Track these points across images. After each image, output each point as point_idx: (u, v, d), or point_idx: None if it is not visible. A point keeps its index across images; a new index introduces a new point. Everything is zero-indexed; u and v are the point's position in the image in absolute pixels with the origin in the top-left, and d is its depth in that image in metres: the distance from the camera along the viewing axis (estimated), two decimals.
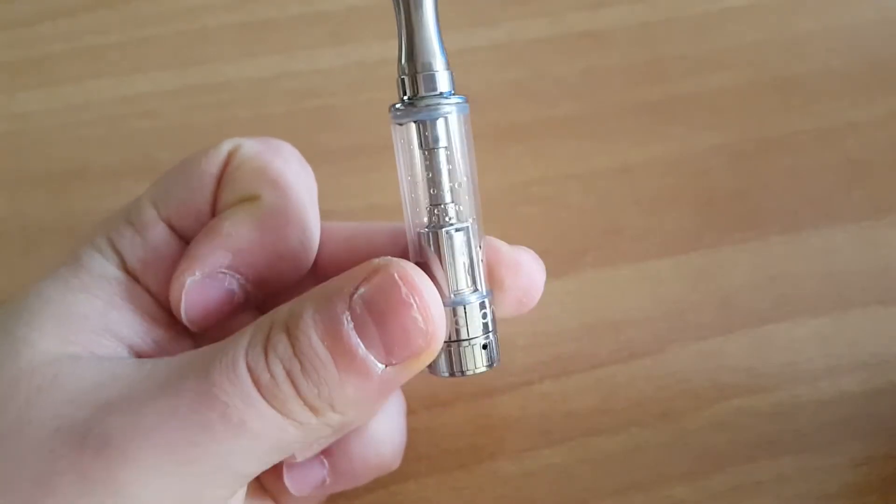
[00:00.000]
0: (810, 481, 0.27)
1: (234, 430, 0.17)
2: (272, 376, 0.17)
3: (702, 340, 0.29)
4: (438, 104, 0.18)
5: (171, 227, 0.21)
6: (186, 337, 0.22)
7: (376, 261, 0.18)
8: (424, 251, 0.19)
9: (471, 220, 0.19)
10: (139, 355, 0.20)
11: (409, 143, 0.18)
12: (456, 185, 0.18)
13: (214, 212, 0.22)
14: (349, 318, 0.18)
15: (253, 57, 0.32)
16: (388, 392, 0.19)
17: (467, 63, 0.32)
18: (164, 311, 0.21)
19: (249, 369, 0.18)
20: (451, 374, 0.19)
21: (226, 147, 0.22)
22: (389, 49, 0.34)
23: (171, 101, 0.32)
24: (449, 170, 0.18)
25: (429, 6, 0.18)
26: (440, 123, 0.18)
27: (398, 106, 0.18)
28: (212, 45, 0.32)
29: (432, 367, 0.19)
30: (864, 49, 0.33)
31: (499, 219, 0.30)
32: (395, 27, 0.18)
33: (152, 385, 0.18)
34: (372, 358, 0.18)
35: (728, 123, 0.31)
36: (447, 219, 0.18)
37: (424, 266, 0.19)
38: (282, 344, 0.18)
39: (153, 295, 0.21)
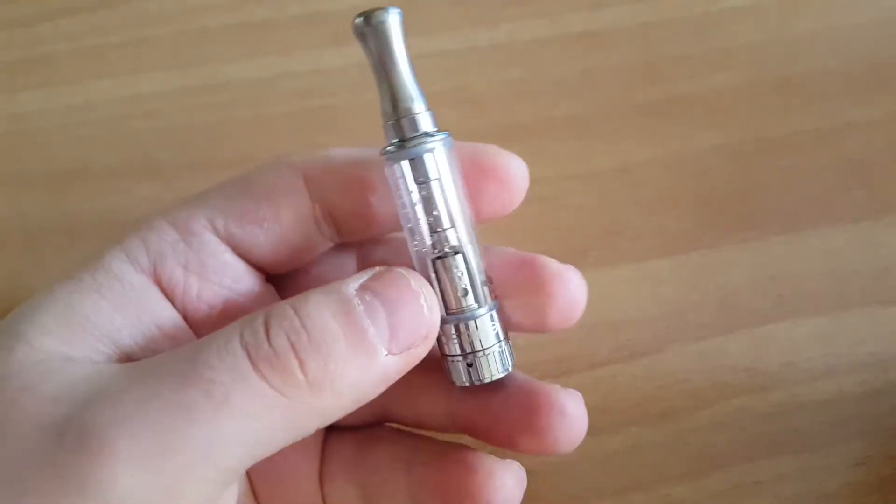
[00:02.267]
0: (809, 481, 0.27)
1: (217, 408, 0.16)
2: (272, 347, 0.17)
3: (701, 340, 0.29)
4: (424, 142, 0.20)
5: (231, 243, 0.21)
6: None
7: (380, 267, 0.20)
8: (432, 275, 0.20)
9: (469, 242, 0.20)
10: None
11: (404, 179, 0.20)
12: (450, 211, 0.20)
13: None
14: (359, 303, 0.18)
15: (253, 57, 0.32)
16: (383, 383, 0.19)
17: (467, 63, 0.32)
18: (178, 324, 0.20)
19: (245, 343, 0.17)
20: (472, 383, 0.21)
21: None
22: None
23: (171, 101, 0.32)
24: (443, 198, 0.20)
25: (402, 60, 0.20)
26: (429, 158, 0.20)
27: (389, 149, 0.20)
28: (212, 45, 0.32)
29: (453, 377, 0.21)
30: (864, 49, 0.33)
31: (499, 219, 0.30)
32: (373, 73, 0.20)
33: (137, 374, 0.17)
34: (378, 340, 0.18)
35: (728, 123, 0.31)
36: (447, 242, 0.20)
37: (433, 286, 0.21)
38: (288, 318, 0.18)
39: (177, 306, 0.20)
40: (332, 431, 0.24)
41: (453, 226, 0.20)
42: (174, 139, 0.31)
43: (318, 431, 0.21)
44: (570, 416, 0.21)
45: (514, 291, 0.21)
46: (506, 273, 0.21)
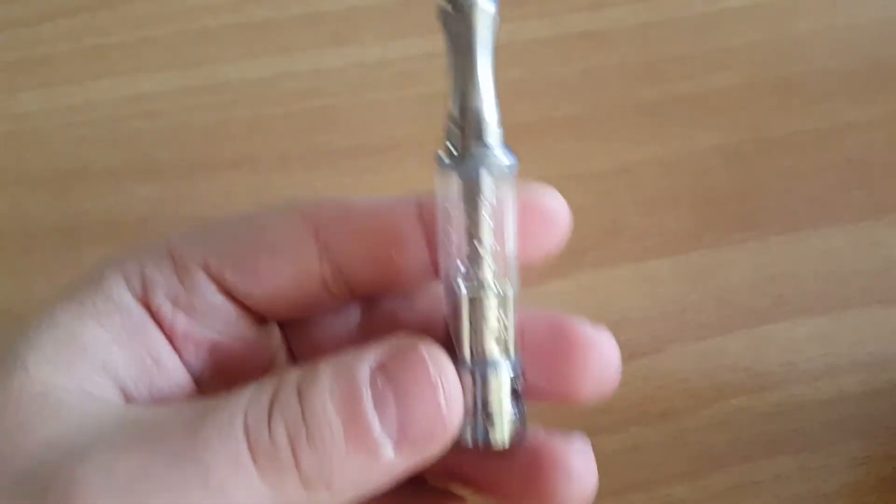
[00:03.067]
0: (809, 481, 0.27)
1: (211, 496, 0.15)
2: (272, 440, 0.16)
3: (701, 340, 0.29)
4: (490, 157, 0.17)
5: (224, 287, 0.19)
6: (187, 390, 0.20)
7: (402, 336, 0.17)
8: (463, 312, 0.18)
9: (512, 286, 0.18)
10: (128, 401, 0.19)
11: (456, 197, 0.17)
12: (501, 245, 0.18)
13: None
14: (369, 391, 0.16)
15: (253, 57, 0.32)
16: (386, 481, 0.17)
17: None
18: (173, 359, 0.19)
19: (247, 428, 0.16)
20: (476, 446, 0.18)
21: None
22: (389, 50, 0.34)
23: (171, 101, 0.32)
24: (499, 229, 0.17)
25: (487, 57, 0.17)
26: (487, 178, 0.17)
27: (445, 159, 0.17)
28: (212, 45, 0.32)
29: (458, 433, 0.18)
30: (864, 49, 0.33)
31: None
32: (447, 70, 0.17)
33: (134, 435, 0.16)
34: (385, 438, 0.16)
35: (728, 123, 0.31)
36: (484, 277, 0.17)
37: (455, 322, 0.18)
38: (291, 406, 0.16)
39: (170, 338, 0.19)
40: None
41: (500, 262, 0.17)
42: (174, 139, 0.31)
43: None
44: (578, 477, 0.20)
45: (540, 357, 0.19)
46: (530, 334, 0.19)
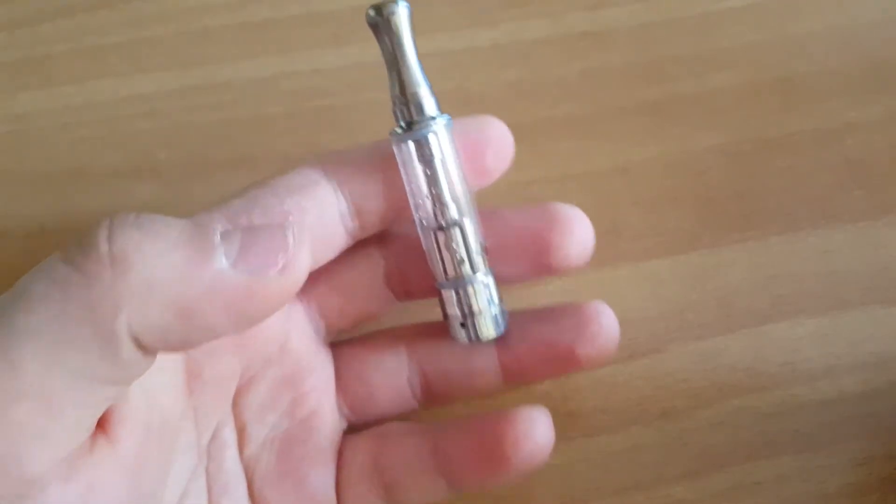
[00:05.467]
0: (810, 481, 0.27)
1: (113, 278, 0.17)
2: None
3: (701, 340, 0.29)
4: (429, 124, 0.22)
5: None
6: None
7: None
8: (433, 245, 0.23)
9: (467, 215, 0.23)
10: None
11: (411, 158, 0.22)
12: (451, 188, 0.22)
13: None
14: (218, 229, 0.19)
15: (253, 57, 0.32)
16: (213, 295, 0.18)
17: (467, 63, 0.32)
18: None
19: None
20: (470, 342, 0.23)
21: None
22: None
23: (171, 101, 0.32)
24: (445, 176, 0.22)
25: (411, 49, 0.22)
26: (433, 139, 0.22)
27: (398, 130, 0.22)
28: (212, 45, 0.32)
29: (454, 335, 0.24)
30: (864, 49, 0.33)
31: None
32: (385, 61, 0.23)
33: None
34: (221, 250, 0.18)
35: (728, 123, 0.31)
36: (448, 215, 0.23)
37: (432, 254, 0.23)
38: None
39: None
40: (344, 444, 0.24)
41: (454, 200, 0.22)
42: (174, 139, 0.31)
43: (331, 445, 0.23)
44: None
45: (523, 237, 0.23)
46: (516, 223, 0.24)
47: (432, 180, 0.22)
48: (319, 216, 0.21)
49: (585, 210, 0.30)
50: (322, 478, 0.23)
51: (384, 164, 0.22)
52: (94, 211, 0.30)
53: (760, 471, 0.27)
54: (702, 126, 0.31)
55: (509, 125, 0.32)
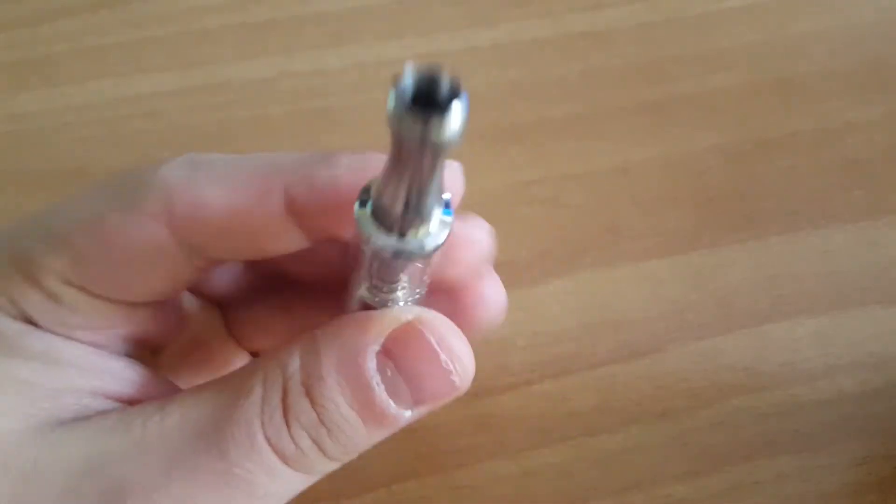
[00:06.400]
0: (809, 481, 0.27)
1: (259, 501, 0.17)
2: (297, 446, 0.17)
3: (701, 340, 0.29)
4: (435, 241, 0.16)
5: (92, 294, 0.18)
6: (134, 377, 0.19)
7: (397, 311, 0.17)
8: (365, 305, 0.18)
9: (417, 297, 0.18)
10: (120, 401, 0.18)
11: (383, 252, 0.16)
12: (413, 283, 0.18)
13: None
14: (379, 382, 0.17)
15: (253, 57, 0.32)
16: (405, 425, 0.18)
17: (467, 63, 0.32)
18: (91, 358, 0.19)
19: (271, 444, 0.17)
20: None
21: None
22: (389, 49, 0.34)
23: (171, 102, 0.32)
24: (413, 276, 0.17)
25: (439, 175, 0.15)
26: (428, 253, 0.16)
27: (379, 232, 0.15)
28: (212, 45, 0.32)
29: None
30: (864, 49, 0.33)
31: (499, 219, 0.30)
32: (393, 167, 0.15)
33: (162, 462, 0.16)
34: (400, 412, 0.17)
35: (728, 123, 0.32)
36: (395, 298, 0.18)
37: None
38: (305, 413, 0.17)
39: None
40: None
41: (408, 289, 0.18)
42: (174, 139, 0.31)
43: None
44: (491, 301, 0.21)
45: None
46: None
47: (403, 278, 0.17)
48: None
49: (585, 210, 0.30)
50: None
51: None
52: None
53: (760, 471, 0.27)
54: (702, 126, 0.31)
55: (509, 125, 0.32)
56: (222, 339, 0.23)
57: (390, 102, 0.13)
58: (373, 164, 0.18)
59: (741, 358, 0.28)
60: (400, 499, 0.27)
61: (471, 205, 0.30)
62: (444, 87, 0.13)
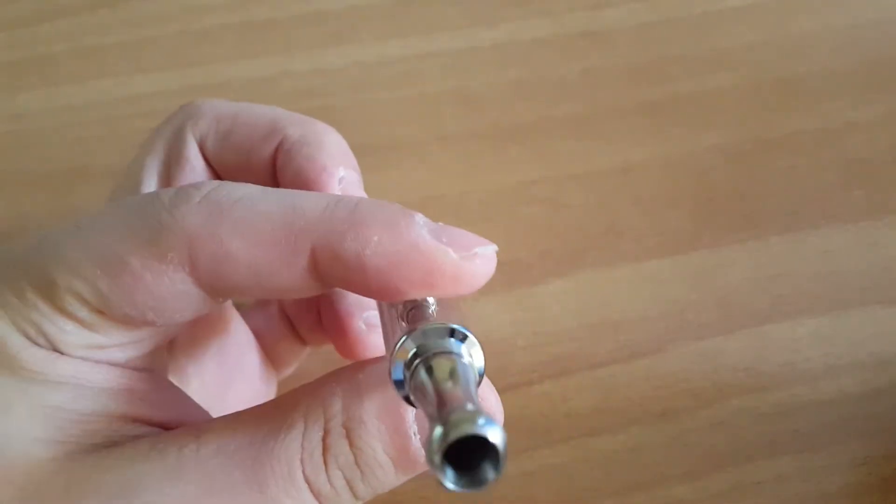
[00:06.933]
0: (810, 481, 0.27)
1: None
2: (332, 486, 0.17)
3: (701, 340, 0.29)
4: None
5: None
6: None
7: None
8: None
9: None
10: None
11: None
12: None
13: None
14: (416, 433, 0.18)
15: (253, 57, 0.32)
16: None
17: (467, 63, 0.32)
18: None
19: (308, 482, 0.17)
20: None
21: None
22: (389, 49, 0.34)
23: (171, 101, 0.31)
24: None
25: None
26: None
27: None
28: (212, 45, 0.32)
29: None
30: (864, 49, 0.33)
31: (499, 219, 0.30)
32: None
33: (198, 490, 0.17)
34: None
35: (728, 124, 0.31)
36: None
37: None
38: (343, 455, 0.17)
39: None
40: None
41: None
42: None
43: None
44: None
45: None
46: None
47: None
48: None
49: (585, 210, 0.30)
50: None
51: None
52: (93, 211, 0.30)
53: (761, 471, 0.27)
54: (702, 126, 0.31)
55: (509, 125, 0.32)
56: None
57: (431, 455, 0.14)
58: (403, 251, 0.16)
59: (741, 358, 0.28)
60: (399, 499, 0.27)
61: (472, 204, 0.30)
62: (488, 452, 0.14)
